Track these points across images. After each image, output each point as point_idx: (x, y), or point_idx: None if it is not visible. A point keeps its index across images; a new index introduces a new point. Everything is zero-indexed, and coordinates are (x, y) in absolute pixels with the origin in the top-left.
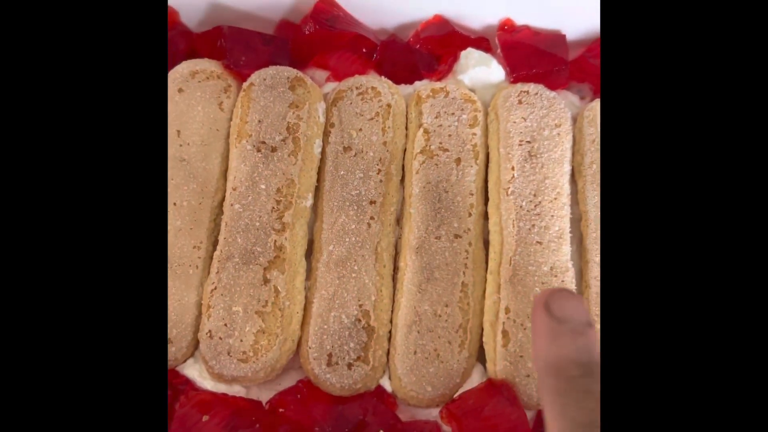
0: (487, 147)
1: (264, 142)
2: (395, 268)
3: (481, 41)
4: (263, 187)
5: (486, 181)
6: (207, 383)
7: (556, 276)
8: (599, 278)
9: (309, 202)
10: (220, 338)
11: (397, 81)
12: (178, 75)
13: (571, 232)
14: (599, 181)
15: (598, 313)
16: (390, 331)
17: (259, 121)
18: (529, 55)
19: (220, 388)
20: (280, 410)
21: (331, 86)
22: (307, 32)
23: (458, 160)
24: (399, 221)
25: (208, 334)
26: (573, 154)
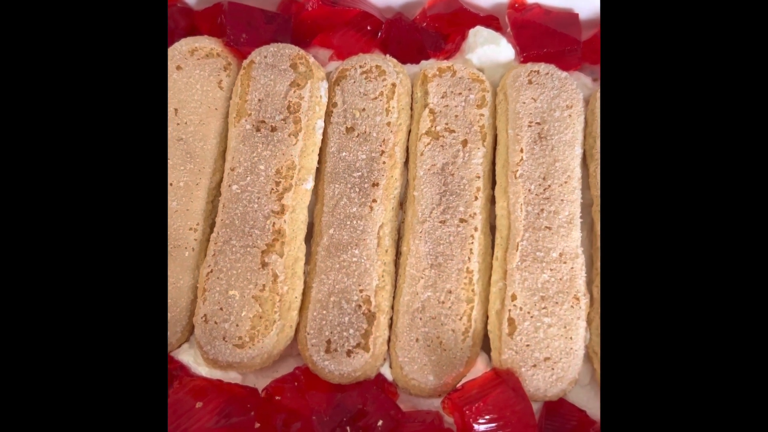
0: (495, 128)
1: (264, 122)
2: (398, 253)
3: (490, 20)
4: (262, 168)
5: (493, 164)
6: (202, 369)
7: (565, 263)
8: None
9: (310, 184)
10: (216, 323)
11: (403, 60)
12: (176, 52)
13: (581, 217)
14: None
15: None
16: (391, 318)
17: (259, 100)
18: (540, 35)
19: (216, 374)
20: (277, 398)
21: (334, 65)
22: (310, 9)
23: (465, 142)
24: (402, 204)
25: (204, 319)
26: (585, 137)
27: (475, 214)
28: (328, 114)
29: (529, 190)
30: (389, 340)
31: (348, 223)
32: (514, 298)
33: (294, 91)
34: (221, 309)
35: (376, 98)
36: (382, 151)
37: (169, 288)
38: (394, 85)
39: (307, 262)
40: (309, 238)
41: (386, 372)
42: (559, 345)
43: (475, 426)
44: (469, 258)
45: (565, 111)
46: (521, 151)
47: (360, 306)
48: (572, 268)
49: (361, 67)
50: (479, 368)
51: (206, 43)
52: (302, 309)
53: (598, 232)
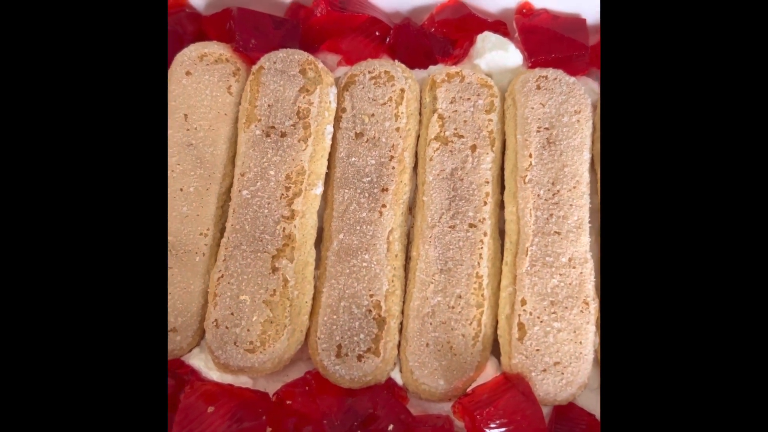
0: (503, 134)
1: (273, 127)
2: (407, 258)
3: (498, 25)
4: (272, 173)
5: (502, 169)
6: (213, 374)
7: (574, 267)
8: None
9: (319, 189)
10: (227, 328)
11: (412, 65)
12: (186, 58)
13: (590, 222)
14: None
15: None
16: (401, 323)
17: (269, 106)
18: (548, 40)
19: (227, 378)
20: (288, 402)
21: (342, 70)
22: (318, 14)
23: (474, 147)
24: (411, 210)
25: (215, 324)
26: (593, 142)
27: (484, 219)
28: (338, 119)
29: (538, 195)
30: (399, 345)
31: (358, 228)
32: (523, 302)
33: (303, 97)
34: (232, 314)
35: (385, 103)
36: (392, 157)
37: (180, 293)
38: (402, 90)
39: (317, 267)
40: (319, 243)
41: (396, 376)
42: (568, 349)
43: (486, 430)
44: (478, 263)
45: (573, 116)
46: (530, 156)
47: (370, 311)
48: (581, 272)
49: (369, 72)
50: (489, 373)
51: (215, 49)
52: (313, 314)
53: None
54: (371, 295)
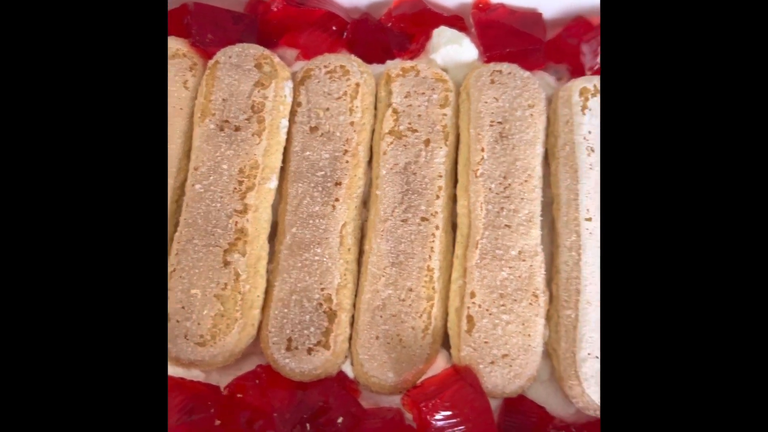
0: (457, 128)
1: (227, 121)
2: (360, 252)
3: (455, 20)
4: (225, 167)
5: (456, 163)
6: None
7: (524, 260)
8: (569, 263)
9: (273, 183)
10: (178, 321)
11: (369, 60)
12: None
13: (542, 215)
14: (572, 164)
15: (567, 299)
16: (353, 316)
17: (224, 100)
18: (504, 34)
19: (178, 372)
20: (239, 395)
21: (300, 65)
22: (274, 9)
23: (427, 141)
24: (365, 203)
25: None
26: (547, 136)
27: (436, 212)
28: (293, 113)
29: (490, 189)
30: (351, 338)
31: (311, 221)
32: (473, 295)
33: (258, 91)
34: (183, 307)
35: (339, 98)
36: (346, 151)
37: None
38: (357, 84)
39: (271, 261)
40: (273, 237)
41: (348, 369)
42: (517, 342)
43: (432, 421)
44: (429, 256)
45: (527, 110)
46: (482, 150)
47: (321, 304)
48: (531, 266)
49: (325, 67)
50: (440, 365)
51: (172, 44)
52: (265, 308)
53: (559, 230)
54: (322, 289)
